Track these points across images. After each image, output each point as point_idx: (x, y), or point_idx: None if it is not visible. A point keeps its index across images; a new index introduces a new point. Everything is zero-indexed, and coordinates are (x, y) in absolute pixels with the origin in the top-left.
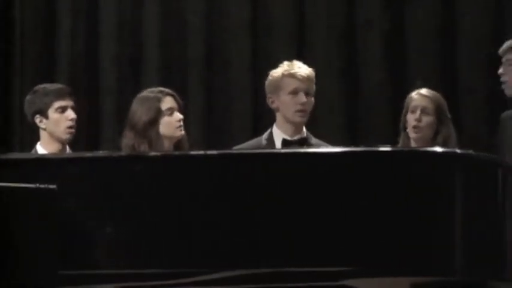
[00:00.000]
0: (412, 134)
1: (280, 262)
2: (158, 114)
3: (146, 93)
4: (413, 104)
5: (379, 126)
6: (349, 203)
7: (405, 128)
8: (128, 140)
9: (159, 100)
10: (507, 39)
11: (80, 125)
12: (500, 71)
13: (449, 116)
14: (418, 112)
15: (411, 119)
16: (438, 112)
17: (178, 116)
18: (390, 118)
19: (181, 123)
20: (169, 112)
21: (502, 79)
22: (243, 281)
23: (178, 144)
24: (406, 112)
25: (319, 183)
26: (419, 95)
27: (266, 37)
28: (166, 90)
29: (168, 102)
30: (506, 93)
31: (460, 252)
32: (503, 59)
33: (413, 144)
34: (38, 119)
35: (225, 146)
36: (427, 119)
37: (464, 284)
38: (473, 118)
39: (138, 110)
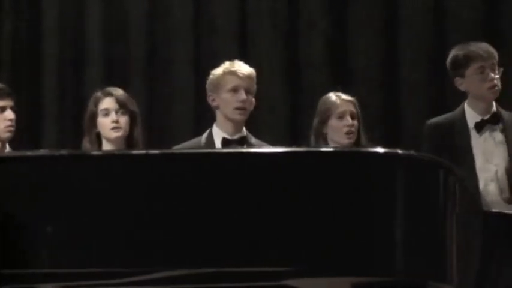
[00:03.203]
0: (344, 140)
1: (221, 262)
2: (94, 114)
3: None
4: (340, 109)
5: None
6: (290, 203)
7: (323, 134)
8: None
9: (97, 100)
10: (448, 37)
11: (21, 124)
12: (496, 76)
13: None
14: (349, 118)
15: (340, 124)
16: (359, 115)
17: (112, 117)
18: None
19: (117, 124)
20: (104, 113)
21: (497, 83)
22: (183, 281)
23: (129, 144)
24: (328, 118)
25: (260, 183)
26: (343, 100)
27: (209, 36)
28: (109, 90)
29: (104, 103)
30: (493, 98)
31: (401, 253)
32: (486, 64)
33: None
34: None
35: (167, 145)
36: (355, 123)
37: (405, 285)
38: (416, 117)
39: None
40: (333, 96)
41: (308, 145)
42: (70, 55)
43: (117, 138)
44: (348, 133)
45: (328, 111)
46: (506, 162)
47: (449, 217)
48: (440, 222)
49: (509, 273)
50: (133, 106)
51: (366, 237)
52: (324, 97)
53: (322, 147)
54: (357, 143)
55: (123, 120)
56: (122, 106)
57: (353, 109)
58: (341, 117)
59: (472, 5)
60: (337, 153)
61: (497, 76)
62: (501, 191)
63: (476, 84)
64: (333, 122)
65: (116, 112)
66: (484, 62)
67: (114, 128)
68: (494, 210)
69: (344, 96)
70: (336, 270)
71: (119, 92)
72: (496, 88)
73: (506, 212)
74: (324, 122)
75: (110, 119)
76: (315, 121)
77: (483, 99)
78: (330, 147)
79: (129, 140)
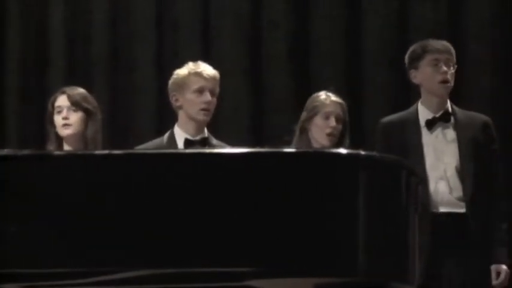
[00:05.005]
0: (324, 140)
1: (183, 262)
2: (51, 113)
3: None
4: (327, 110)
5: (284, 127)
6: (253, 204)
7: (307, 130)
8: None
9: (54, 99)
10: (411, 40)
11: None
12: (450, 72)
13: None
14: (333, 120)
15: (324, 124)
16: (345, 119)
17: (63, 114)
18: (295, 119)
19: (67, 121)
20: (57, 110)
21: (449, 78)
22: (147, 281)
23: (84, 142)
24: (314, 115)
25: (222, 184)
26: (333, 102)
27: (172, 36)
28: (65, 89)
29: (58, 101)
30: (444, 94)
31: (363, 254)
32: (440, 57)
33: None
34: None
35: (130, 144)
36: (339, 127)
37: (368, 286)
38: (380, 118)
39: None
40: (323, 94)
41: (291, 138)
42: (33, 55)
43: (68, 136)
44: (329, 134)
45: (315, 108)
46: (457, 160)
47: (411, 217)
48: (403, 223)
49: (455, 272)
50: (90, 104)
51: (329, 238)
52: (315, 94)
53: (284, 148)
54: (338, 146)
55: (75, 117)
56: (74, 104)
57: (340, 112)
58: (326, 117)
59: (435, 6)
60: (299, 154)
61: (450, 72)
62: (451, 189)
63: (428, 75)
64: (318, 121)
65: (68, 110)
66: (439, 54)
67: (64, 125)
68: (442, 209)
69: (334, 98)
70: (298, 271)
71: (75, 90)
72: (448, 84)
73: (452, 211)
74: (309, 118)
75: (61, 116)
76: (302, 115)
77: (434, 94)
78: (293, 148)
79: (84, 138)
